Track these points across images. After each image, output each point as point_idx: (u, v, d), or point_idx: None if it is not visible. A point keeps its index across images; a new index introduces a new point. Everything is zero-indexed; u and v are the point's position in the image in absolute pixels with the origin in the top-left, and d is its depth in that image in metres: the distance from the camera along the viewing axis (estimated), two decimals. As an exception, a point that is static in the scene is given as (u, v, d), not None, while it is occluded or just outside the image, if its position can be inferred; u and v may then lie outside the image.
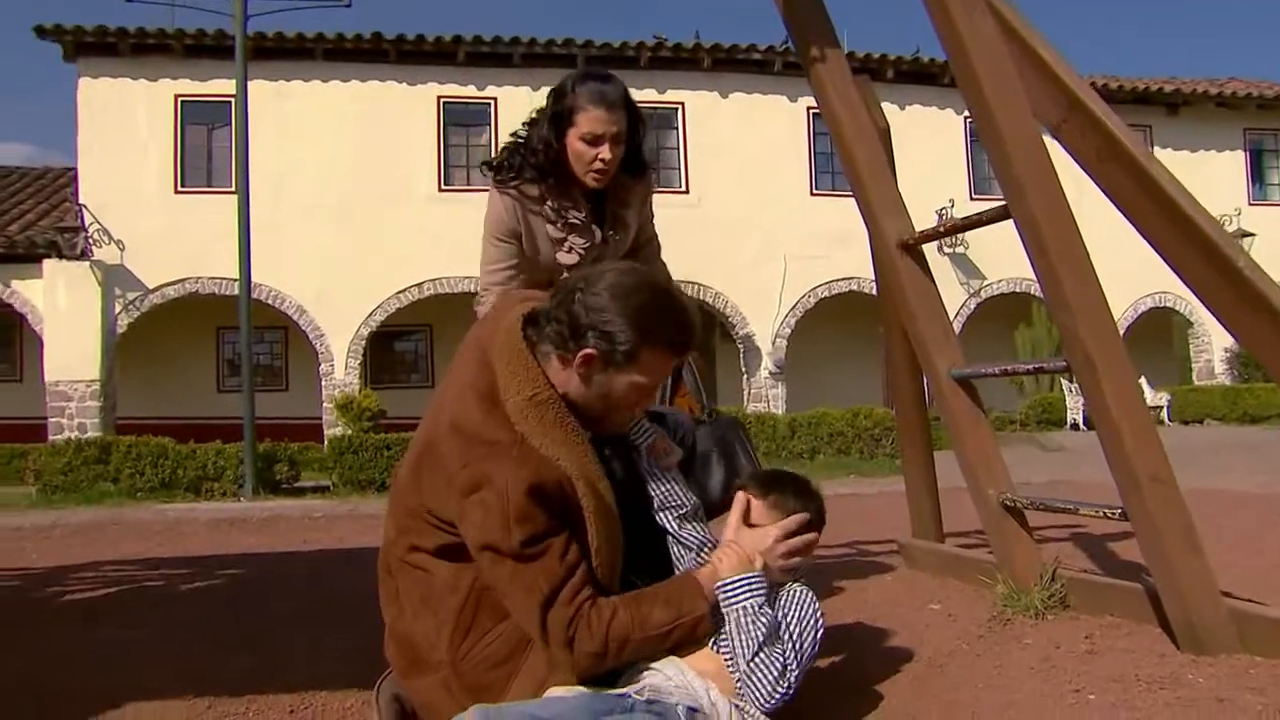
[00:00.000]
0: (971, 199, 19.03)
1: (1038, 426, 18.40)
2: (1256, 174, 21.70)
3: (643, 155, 3.01)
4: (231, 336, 18.26)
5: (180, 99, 17.19)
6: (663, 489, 2.14)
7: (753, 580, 2.02)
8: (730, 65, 18.79)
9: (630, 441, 2.16)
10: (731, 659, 2.00)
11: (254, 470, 11.46)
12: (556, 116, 2.83)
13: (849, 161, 3.29)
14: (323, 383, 17.48)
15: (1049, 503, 2.92)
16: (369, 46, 17.44)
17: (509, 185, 2.91)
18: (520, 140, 2.94)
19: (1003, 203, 2.55)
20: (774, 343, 18.87)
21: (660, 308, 2.03)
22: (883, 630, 2.83)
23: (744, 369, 18.82)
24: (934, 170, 17.90)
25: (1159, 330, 21.02)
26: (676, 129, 18.60)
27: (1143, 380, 17.40)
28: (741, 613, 1.99)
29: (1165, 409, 19.09)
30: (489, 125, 17.97)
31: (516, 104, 17.52)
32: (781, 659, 1.98)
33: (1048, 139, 2.50)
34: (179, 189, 17.13)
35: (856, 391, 17.61)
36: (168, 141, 17.12)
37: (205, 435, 12.95)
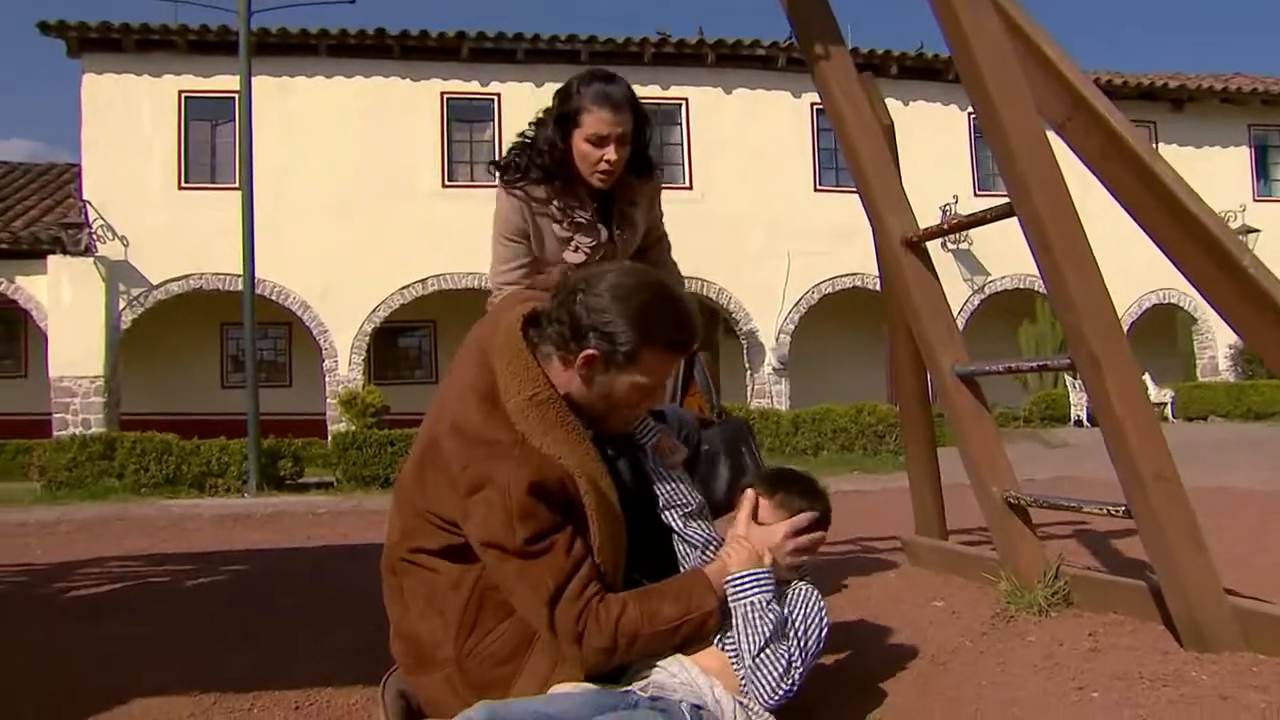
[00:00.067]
0: (975, 195, 18.98)
1: (1041, 423, 18.38)
2: (1261, 170, 21.65)
3: (649, 155, 3.02)
4: (235, 332, 18.25)
5: (184, 95, 17.18)
6: (668, 488, 2.15)
7: (761, 576, 2.03)
8: (734, 61, 18.76)
9: (636, 441, 2.17)
10: (737, 656, 2.01)
11: (258, 466, 11.48)
12: (562, 118, 2.84)
13: (853, 159, 3.28)
14: (326, 379, 17.49)
15: (1052, 500, 2.92)
16: (373, 42, 17.43)
17: (516, 186, 2.92)
18: (527, 140, 2.94)
19: (1007, 200, 2.55)
20: (778, 339, 18.85)
21: (661, 308, 2.03)
22: (886, 627, 2.83)
23: (747, 365, 18.81)
24: (938, 166, 17.86)
25: (1163, 327, 20.98)
26: (680, 125, 18.58)
27: (1147, 377, 17.40)
28: (749, 607, 2.00)
29: (1169, 406, 19.06)
30: (492, 121, 17.96)
31: (520, 100, 17.51)
32: (787, 656, 1.99)
33: (1052, 136, 2.50)
34: (183, 185, 17.13)
35: (860, 387, 17.61)
36: (171, 137, 17.12)
37: (209, 431, 12.96)
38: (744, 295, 18.59)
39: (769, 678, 1.97)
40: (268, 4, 13.45)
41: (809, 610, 2.08)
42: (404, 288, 17.60)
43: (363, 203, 17.16)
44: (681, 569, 2.11)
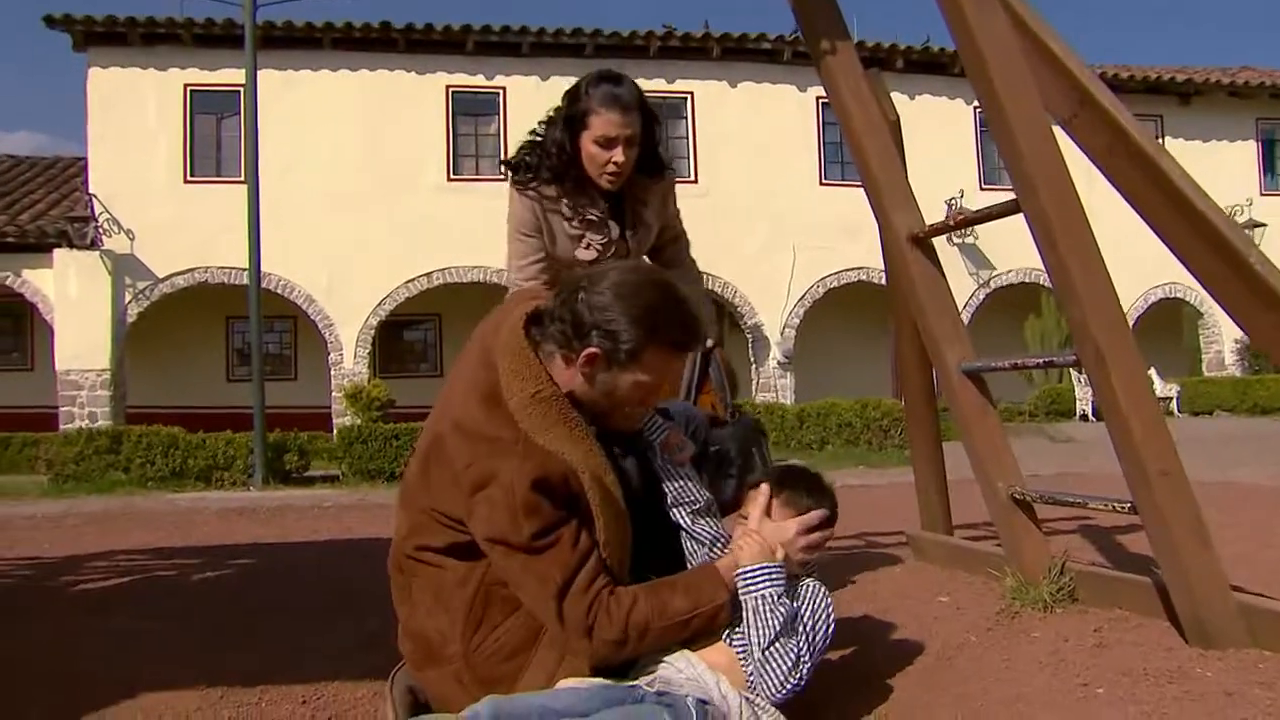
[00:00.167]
0: (981, 189, 18.95)
1: (1046, 418, 18.35)
2: (1269, 164, 21.57)
3: (660, 155, 3.02)
4: (241, 326, 18.29)
5: (189, 88, 17.19)
6: (676, 485, 2.15)
7: (773, 570, 2.04)
8: (739, 55, 18.72)
9: (645, 438, 2.17)
10: (744, 651, 2.01)
11: (264, 460, 11.51)
12: (570, 119, 2.85)
13: (859, 154, 3.28)
14: (332, 372, 17.51)
15: (1058, 496, 2.93)
16: (378, 36, 17.41)
17: (528, 186, 2.93)
18: (537, 139, 2.95)
19: (1013, 195, 2.55)
20: (782, 333, 18.84)
21: (664, 307, 2.03)
22: (892, 623, 2.84)
23: (752, 359, 18.81)
24: (944, 160, 17.81)
25: (1169, 321, 20.94)
26: (685, 118, 18.56)
27: (1152, 371, 17.36)
28: (760, 600, 2.01)
29: (1175, 400, 19.02)
30: (498, 115, 17.95)
31: (525, 94, 17.51)
32: (795, 650, 2.00)
33: (1058, 132, 2.50)
34: (188, 178, 17.14)
35: (865, 382, 17.60)
36: (177, 131, 17.12)
37: (215, 424, 12.98)
38: (749, 289, 18.58)
39: (777, 671, 1.98)
40: (273, -3, 13.45)
41: (816, 606, 2.09)
42: (409, 281, 17.60)
43: (368, 196, 17.16)
44: (689, 566, 2.12)
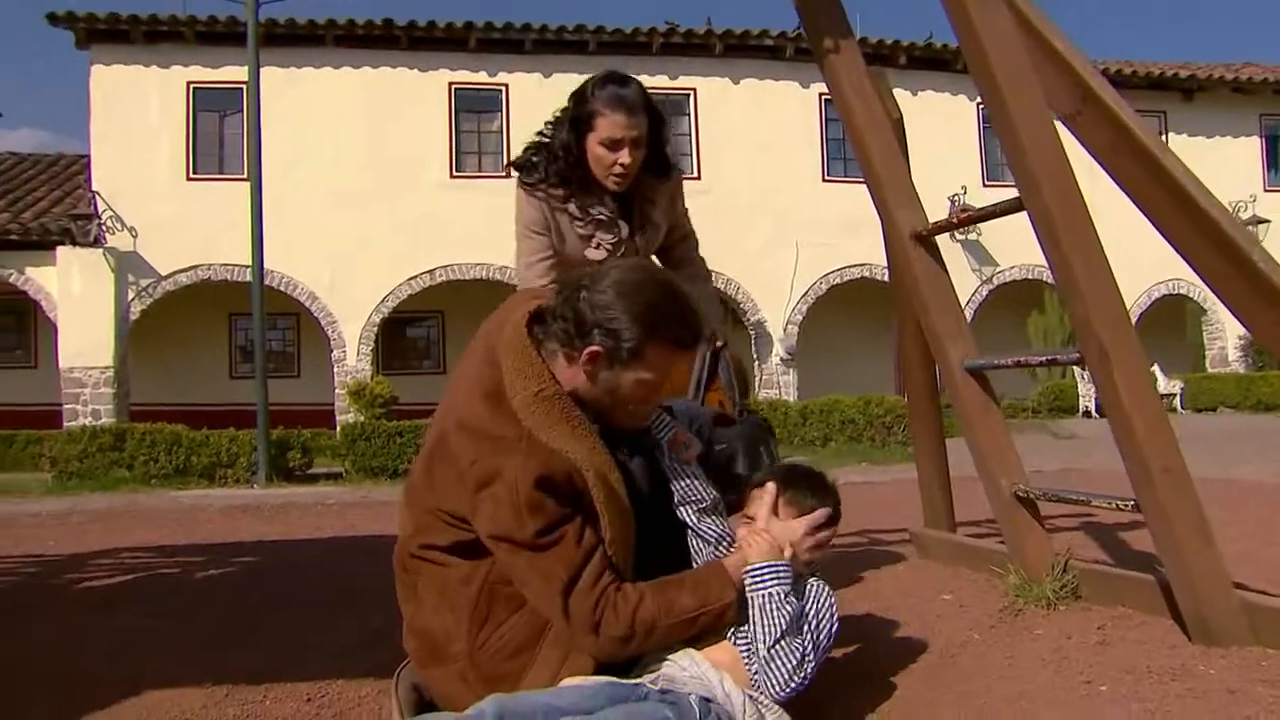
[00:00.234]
0: (984, 185, 18.96)
1: (1050, 414, 18.35)
2: (1272, 160, 21.52)
3: (667, 156, 3.02)
4: (244, 323, 18.32)
5: (192, 86, 17.20)
6: (683, 483, 2.16)
7: (781, 569, 2.05)
8: (742, 51, 18.71)
9: (652, 436, 2.18)
10: (749, 650, 2.02)
11: (267, 457, 11.52)
12: (576, 121, 2.85)
13: (862, 152, 3.28)
14: (335, 369, 17.53)
15: (1061, 494, 2.93)
16: (380, 33, 17.42)
17: (535, 187, 2.93)
18: (544, 139, 2.95)
19: (1015, 192, 2.55)
20: (785, 329, 18.84)
21: (666, 305, 2.04)
22: (894, 620, 2.84)
23: (755, 355, 18.81)
24: (946, 156, 17.81)
25: (1172, 317, 20.92)
26: (688, 115, 18.55)
27: (1156, 368, 17.33)
28: (767, 598, 2.01)
29: (1178, 397, 19.01)
30: (500, 112, 17.95)
31: (528, 91, 17.52)
32: (801, 649, 2.01)
33: (1061, 129, 2.50)
34: (191, 176, 17.15)
35: (868, 378, 17.59)
36: (180, 128, 17.14)
37: (218, 421, 13.00)
38: (752, 286, 18.57)
39: (782, 669, 1.98)
40: (275, -6, 13.44)
41: (820, 605, 2.10)
42: (412, 278, 17.61)
43: (370, 193, 17.17)
44: (694, 564, 2.13)
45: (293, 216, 16.15)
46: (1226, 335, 20.85)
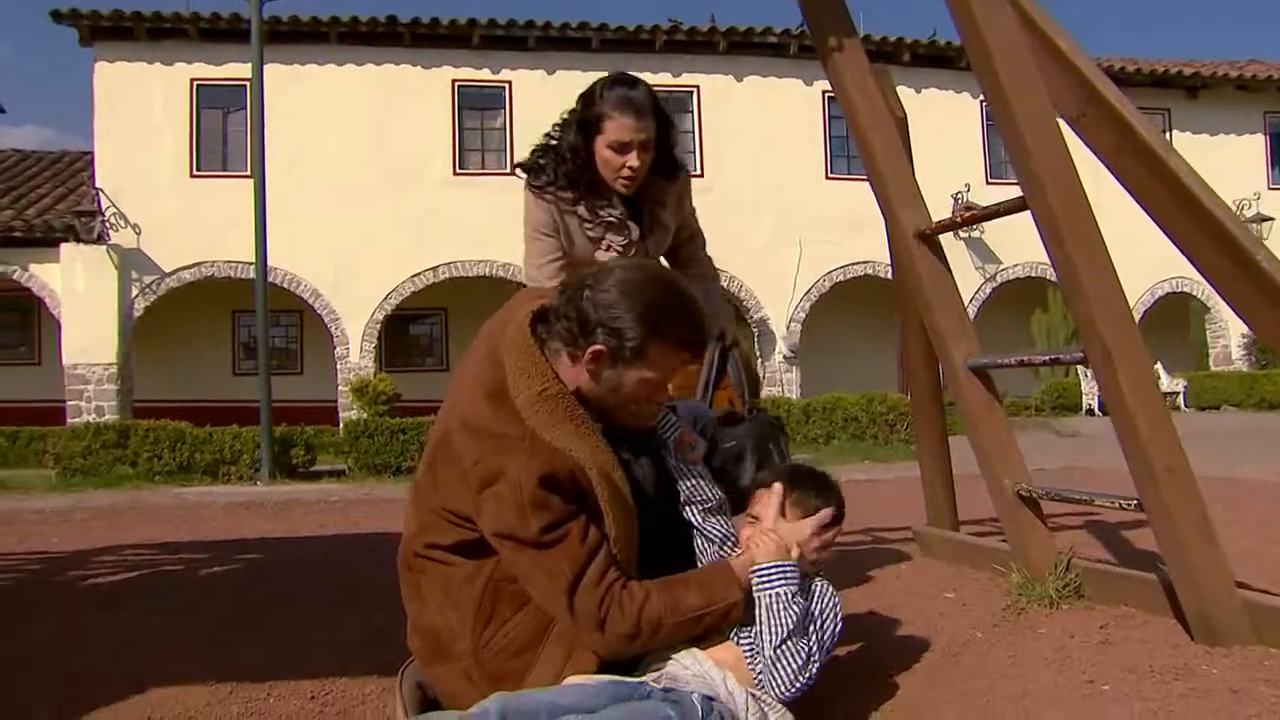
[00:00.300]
0: (988, 183, 18.95)
1: (1053, 412, 18.33)
2: (1276, 157, 21.48)
3: (675, 157, 3.00)
4: (247, 320, 18.35)
5: (196, 83, 17.22)
6: (688, 483, 2.16)
7: (788, 569, 2.05)
8: (745, 48, 18.71)
9: (659, 436, 2.18)
10: (752, 649, 2.02)
11: (271, 454, 11.52)
12: (584, 124, 2.84)
13: (865, 150, 3.28)
14: (338, 366, 17.54)
15: (1064, 494, 2.93)
16: (383, 30, 17.43)
17: (544, 190, 2.92)
18: (551, 141, 2.94)
19: (1019, 191, 2.55)
20: (788, 327, 18.84)
21: (669, 304, 2.04)
22: (897, 619, 2.84)
23: (758, 353, 18.80)
24: (950, 154, 17.81)
25: (1176, 316, 20.89)
26: (691, 112, 18.54)
27: (1159, 366, 17.32)
28: (774, 599, 2.02)
29: (1181, 395, 18.99)
30: (503, 109, 17.95)
31: (531, 88, 17.54)
32: (807, 649, 2.01)
33: (1065, 129, 2.50)
34: (195, 173, 17.18)
35: (871, 376, 17.59)
36: (183, 125, 17.16)
37: (221, 418, 13.02)
38: (755, 283, 18.57)
39: (788, 670, 1.99)
40: (279, -9, 13.46)
41: (825, 605, 2.11)
42: (415, 275, 17.62)
43: (374, 190, 17.18)
44: (699, 564, 2.13)
45: (296, 213, 16.17)
46: (1230, 333, 20.82)
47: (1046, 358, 3.46)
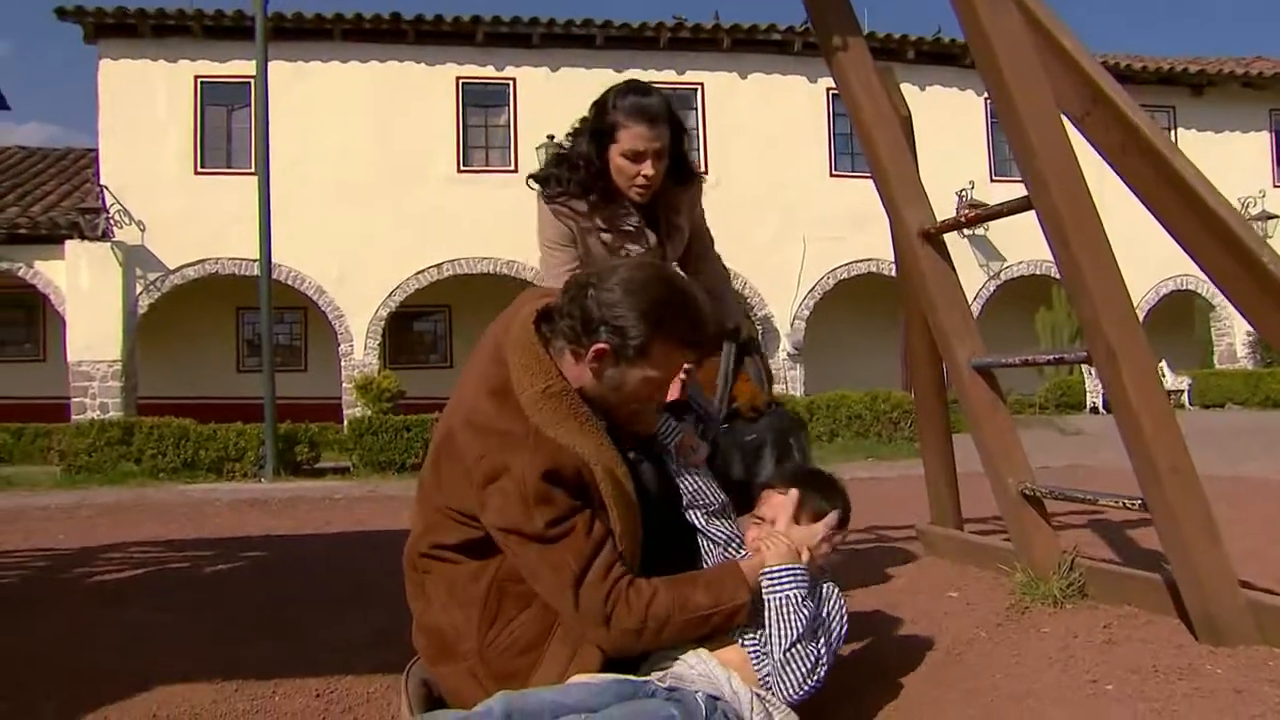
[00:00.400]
0: (992, 180, 18.91)
1: (1057, 410, 18.31)
2: (1282, 155, 21.44)
3: (689, 163, 2.98)
4: (251, 317, 18.34)
5: (200, 80, 17.22)
6: (691, 487, 2.17)
7: (798, 572, 2.06)
8: (750, 46, 18.68)
9: (659, 442, 2.18)
10: (757, 651, 2.03)
11: (275, 451, 11.53)
12: (597, 133, 2.81)
13: (870, 149, 3.29)
14: (342, 363, 17.55)
15: (1068, 493, 2.94)
16: (388, 27, 17.42)
17: (557, 200, 2.89)
18: (563, 150, 2.91)
19: (1024, 190, 2.55)
20: (792, 324, 18.83)
21: (672, 303, 2.04)
22: (901, 618, 2.85)
23: (763, 350, 18.76)
24: (954, 152, 17.76)
25: (1180, 313, 20.84)
26: (695, 110, 18.49)
27: (1163, 364, 17.31)
28: (784, 602, 2.02)
29: (1186, 393, 18.97)
30: (508, 106, 17.94)
31: (535, 85, 17.53)
32: (815, 653, 2.02)
33: (1070, 128, 2.49)
34: (199, 170, 17.19)
35: (874, 374, 17.57)
36: (188, 122, 17.16)
37: (225, 415, 13.02)
38: (759, 280, 18.54)
39: (796, 673, 1.99)
40: (283, -11, 13.46)
41: (831, 608, 2.12)
42: (419, 272, 17.62)
43: (378, 187, 17.18)
44: (704, 566, 2.14)
45: (300, 210, 16.19)
46: (1235, 331, 20.78)
47: (1050, 357, 3.46)
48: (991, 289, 19.46)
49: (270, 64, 12.70)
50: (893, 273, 3.80)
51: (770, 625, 2.02)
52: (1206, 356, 21.22)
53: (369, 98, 17.45)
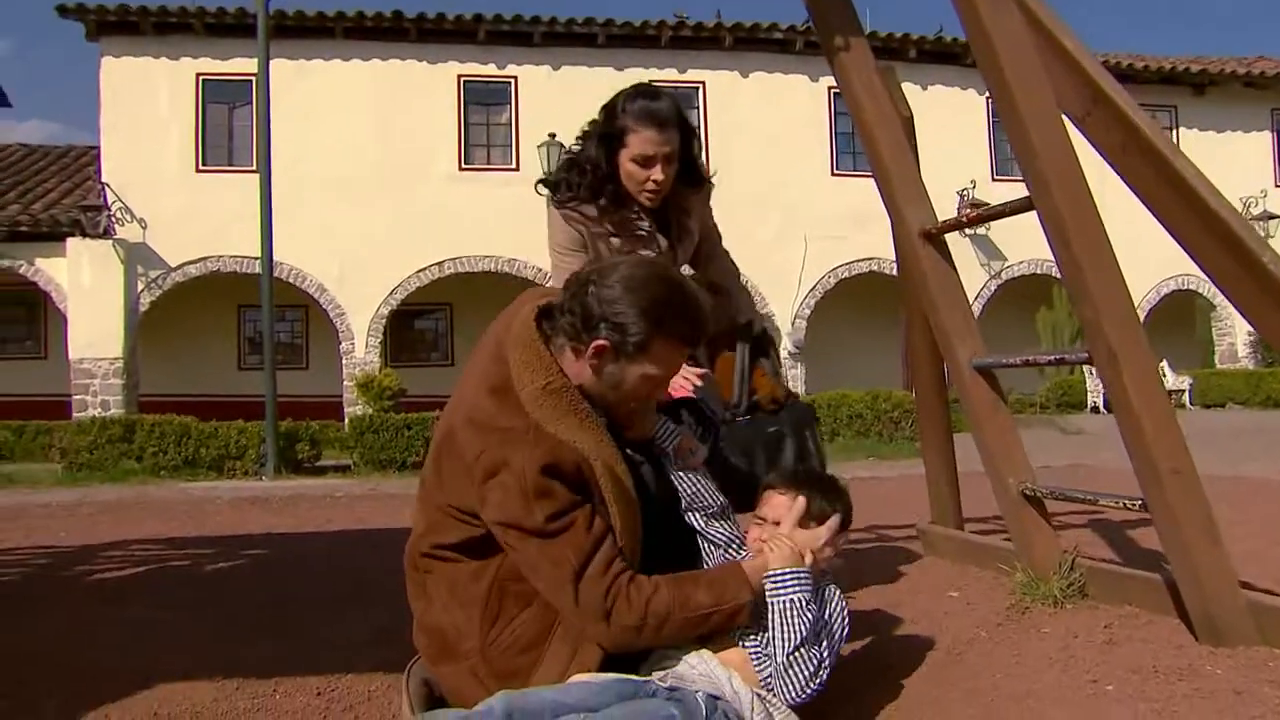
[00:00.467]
0: (993, 179, 18.89)
1: (1058, 409, 18.31)
2: (1284, 155, 21.42)
3: (699, 167, 2.97)
4: (253, 315, 18.35)
5: (202, 78, 17.21)
6: (690, 489, 2.17)
7: (803, 575, 2.06)
8: (751, 44, 18.67)
9: (657, 444, 2.19)
10: (758, 653, 2.03)
11: (276, 449, 11.53)
12: (606, 137, 2.79)
13: (871, 149, 3.29)
14: (343, 361, 17.55)
15: (1068, 493, 2.94)
16: (389, 25, 17.42)
17: (567, 206, 2.87)
18: (572, 155, 2.89)
19: (1026, 192, 2.55)
20: (794, 323, 18.82)
21: (672, 300, 2.05)
22: (902, 617, 2.85)
23: (763, 349, 18.74)
24: (956, 151, 17.75)
25: (1181, 313, 20.83)
26: (697, 108, 18.48)
27: (1164, 364, 17.30)
28: (788, 605, 2.02)
29: (1187, 393, 18.96)
30: (509, 104, 17.93)
31: (537, 83, 17.53)
32: (819, 657, 2.02)
33: (1071, 129, 2.49)
34: (200, 168, 17.18)
35: (876, 373, 17.58)
36: (189, 120, 17.16)
37: (226, 413, 13.02)
38: (760, 279, 18.49)
39: (799, 677, 2.00)
40: (285, -13, 13.45)
41: (833, 611, 2.12)
42: (421, 270, 17.62)
43: (380, 185, 17.18)
44: (704, 568, 2.14)
45: (302, 208, 16.19)
46: (1236, 331, 20.76)
47: (1051, 358, 3.46)
48: (993, 288, 19.45)
49: (272, 62, 12.71)
50: (894, 272, 3.80)
51: (774, 629, 2.02)
52: (1207, 356, 21.21)
53: (370, 96, 17.45)
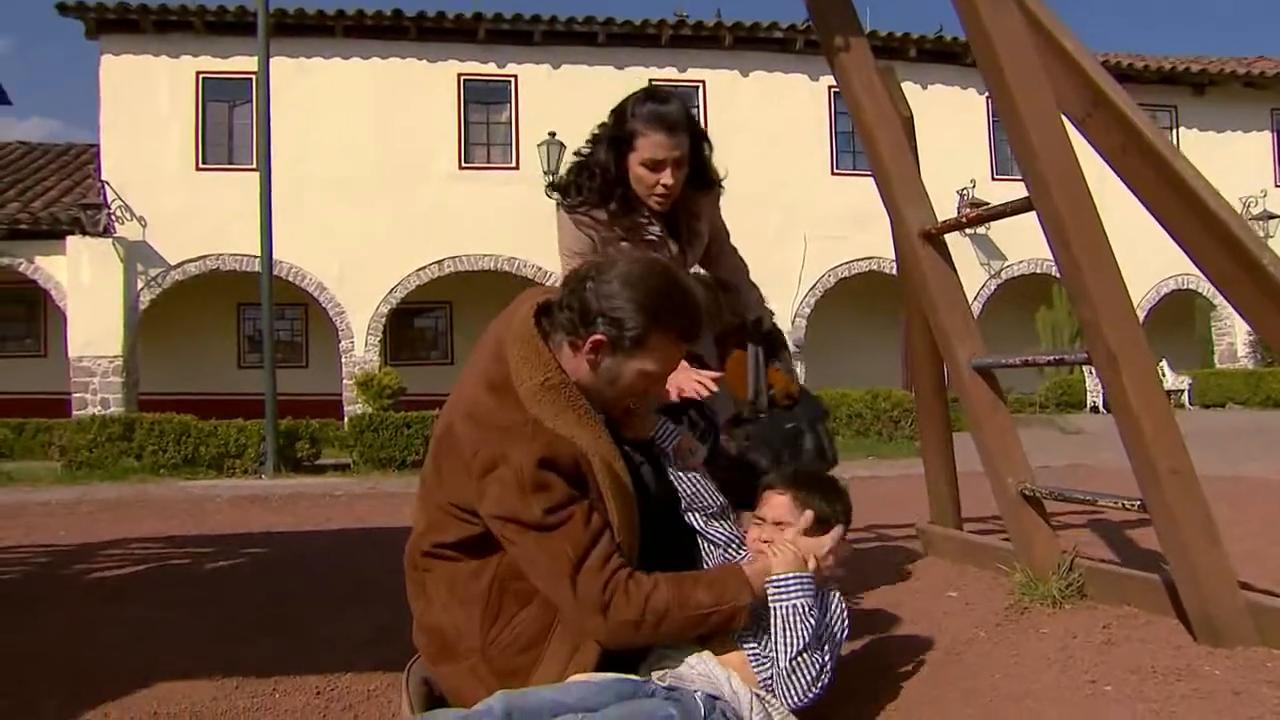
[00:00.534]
0: (993, 179, 18.88)
1: (1057, 409, 18.30)
2: (1284, 155, 21.40)
3: (710, 170, 2.94)
4: (252, 313, 18.34)
5: (202, 76, 17.21)
6: (690, 490, 2.17)
7: (805, 581, 2.06)
8: (752, 44, 18.66)
9: (658, 446, 2.19)
10: (757, 655, 2.03)
11: (275, 447, 11.53)
12: (615, 140, 2.77)
13: (871, 149, 3.29)
14: (343, 360, 17.55)
15: (1067, 493, 2.94)
16: (389, 23, 17.41)
17: (577, 210, 2.86)
18: (582, 159, 2.88)
19: (1026, 192, 2.55)
20: (793, 322, 18.79)
21: (670, 296, 2.06)
22: (901, 617, 2.85)
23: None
24: (956, 150, 17.75)
25: (1181, 313, 20.82)
26: (697, 108, 18.46)
27: (1164, 364, 17.30)
28: (792, 610, 2.02)
29: (1186, 393, 18.96)
30: (509, 103, 17.92)
31: (537, 82, 17.52)
32: (821, 662, 2.02)
33: (1071, 130, 2.50)
34: (200, 166, 17.18)
35: (875, 372, 17.57)
36: (189, 118, 17.15)
37: (226, 411, 13.01)
38: (760, 278, 18.01)
39: (801, 682, 2.00)
40: (285, -15, 13.44)
41: (833, 615, 2.12)
42: (420, 269, 17.61)
43: (380, 184, 17.18)
44: (704, 568, 2.14)
45: (301, 207, 16.18)
46: (1235, 331, 20.76)
47: (1051, 358, 3.47)
48: (992, 288, 19.44)
49: (272, 60, 12.70)
50: (894, 271, 3.80)
51: (776, 633, 2.02)
52: (1207, 356, 21.20)
53: (370, 94, 17.44)
